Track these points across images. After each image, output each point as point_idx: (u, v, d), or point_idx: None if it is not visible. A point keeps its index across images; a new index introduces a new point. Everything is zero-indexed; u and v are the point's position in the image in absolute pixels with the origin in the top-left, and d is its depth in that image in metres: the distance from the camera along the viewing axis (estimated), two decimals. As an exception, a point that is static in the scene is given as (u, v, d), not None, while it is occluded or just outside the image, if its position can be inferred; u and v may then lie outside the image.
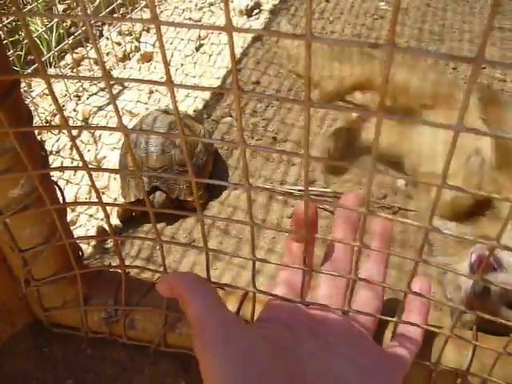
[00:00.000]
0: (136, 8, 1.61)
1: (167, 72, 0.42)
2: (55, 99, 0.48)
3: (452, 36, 1.59)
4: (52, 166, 1.08)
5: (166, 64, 0.41)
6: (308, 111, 0.40)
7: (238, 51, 1.45)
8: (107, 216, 0.59)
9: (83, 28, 1.35)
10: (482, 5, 1.75)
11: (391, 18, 0.32)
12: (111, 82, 0.49)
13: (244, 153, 0.47)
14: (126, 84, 1.38)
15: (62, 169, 0.61)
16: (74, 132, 1.21)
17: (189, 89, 0.44)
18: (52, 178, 0.69)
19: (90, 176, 0.55)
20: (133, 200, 0.98)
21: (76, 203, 0.92)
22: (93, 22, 1.44)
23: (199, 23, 1.63)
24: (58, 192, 0.65)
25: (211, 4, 1.74)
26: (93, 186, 0.55)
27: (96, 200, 0.57)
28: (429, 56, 0.31)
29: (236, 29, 0.37)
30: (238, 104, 0.43)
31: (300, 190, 1.02)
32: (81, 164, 0.56)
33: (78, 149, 0.52)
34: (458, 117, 0.36)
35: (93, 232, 0.97)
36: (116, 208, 1.01)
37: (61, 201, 0.64)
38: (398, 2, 0.30)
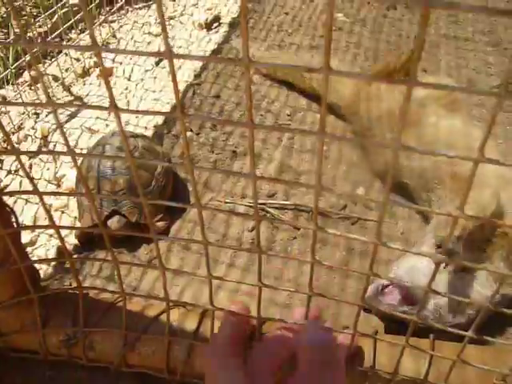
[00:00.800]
0: (95, 23, 1.60)
1: (111, 97, 0.42)
2: (1, 126, 0.47)
3: (409, 46, 1.63)
4: (9, 189, 1.06)
5: (110, 90, 0.41)
6: (251, 133, 0.41)
7: (198, 65, 1.45)
8: (61, 239, 0.59)
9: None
10: (437, 15, 1.79)
11: (325, 44, 0.33)
12: (58, 105, 0.49)
13: (192, 173, 0.47)
14: (85, 100, 1.37)
15: (11, 193, 0.60)
16: (33, 149, 1.19)
17: (133, 113, 0.44)
18: (7, 200, 0.68)
19: (41, 199, 0.54)
20: (90, 225, 0.96)
21: (29, 227, 0.90)
22: (51, 38, 1.43)
23: (159, 37, 1.63)
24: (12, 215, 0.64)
25: (171, 18, 1.74)
26: (44, 208, 0.55)
27: (52, 222, 0.57)
28: (360, 78, 0.32)
29: (176, 55, 0.38)
30: (183, 127, 0.44)
31: (262, 204, 1.03)
32: (40, 183, 0.56)
33: (27, 174, 0.52)
34: (397, 136, 0.37)
35: (53, 252, 0.96)
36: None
37: (14, 224, 0.64)
38: (329, 32, 0.31)
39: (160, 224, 0.97)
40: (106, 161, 0.97)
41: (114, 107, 0.43)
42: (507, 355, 0.69)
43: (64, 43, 1.56)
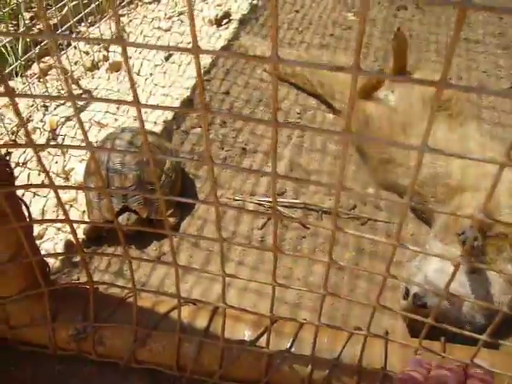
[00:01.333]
0: (105, 16, 1.60)
1: (134, 92, 0.42)
2: (19, 115, 0.47)
3: (419, 46, 1.62)
4: (18, 181, 1.06)
5: (133, 85, 0.41)
6: (275, 131, 0.41)
7: (208, 61, 1.45)
8: (74, 232, 0.58)
9: (50, 37, 1.33)
10: (447, 15, 1.78)
11: (356, 44, 0.33)
12: (77, 98, 0.49)
13: (212, 170, 0.47)
14: (94, 94, 1.37)
15: (27, 187, 0.60)
16: (41, 142, 1.19)
17: (156, 109, 0.44)
18: (18, 193, 0.68)
19: (57, 193, 0.54)
20: (102, 222, 0.95)
21: (42, 221, 0.90)
22: (61, 30, 1.42)
23: (168, 32, 1.63)
24: (24, 209, 0.64)
25: (180, 13, 1.73)
26: (59, 203, 0.54)
27: (67, 216, 0.57)
28: (387, 78, 0.31)
29: (202, 50, 0.37)
30: (205, 124, 0.43)
31: (270, 202, 1.02)
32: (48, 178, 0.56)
33: (44, 167, 0.51)
34: (423, 139, 0.37)
35: (61, 246, 0.95)
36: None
37: (27, 218, 0.63)
38: (362, 31, 0.31)
39: (171, 220, 0.97)
40: (116, 156, 0.96)
41: (136, 102, 0.43)
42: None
43: (73, 36, 1.55)
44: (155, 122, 1.23)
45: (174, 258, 0.57)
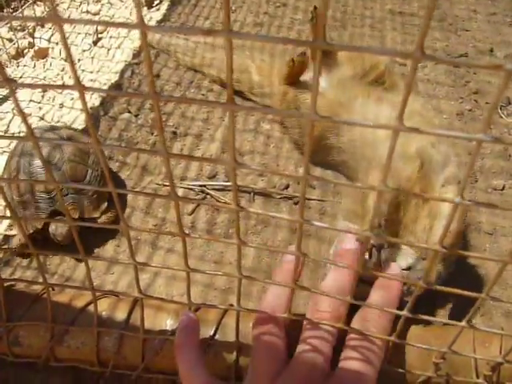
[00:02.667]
0: (28, 1, 1.53)
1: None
2: None
3: (354, 22, 1.60)
4: None
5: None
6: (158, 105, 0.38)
7: (138, 44, 1.40)
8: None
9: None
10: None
11: (223, 7, 0.30)
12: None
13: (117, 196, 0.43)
14: (18, 82, 1.31)
15: None
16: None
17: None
18: None
19: None
20: (31, 231, 0.88)
21: None
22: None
23: (97, 16, 1.57)
24: None
25: (110, -4, 1.67)
26: None
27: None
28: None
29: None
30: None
31: (202, 185, 0.99)
32: None
33: None
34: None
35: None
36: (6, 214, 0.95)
37: None
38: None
39: (109, 214, 0.93)
40: (33, 160, 0.90)
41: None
42: (449, 333, 0.68)
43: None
44: (81, 110, 1.18)
45: (81, 250, 0.54)
